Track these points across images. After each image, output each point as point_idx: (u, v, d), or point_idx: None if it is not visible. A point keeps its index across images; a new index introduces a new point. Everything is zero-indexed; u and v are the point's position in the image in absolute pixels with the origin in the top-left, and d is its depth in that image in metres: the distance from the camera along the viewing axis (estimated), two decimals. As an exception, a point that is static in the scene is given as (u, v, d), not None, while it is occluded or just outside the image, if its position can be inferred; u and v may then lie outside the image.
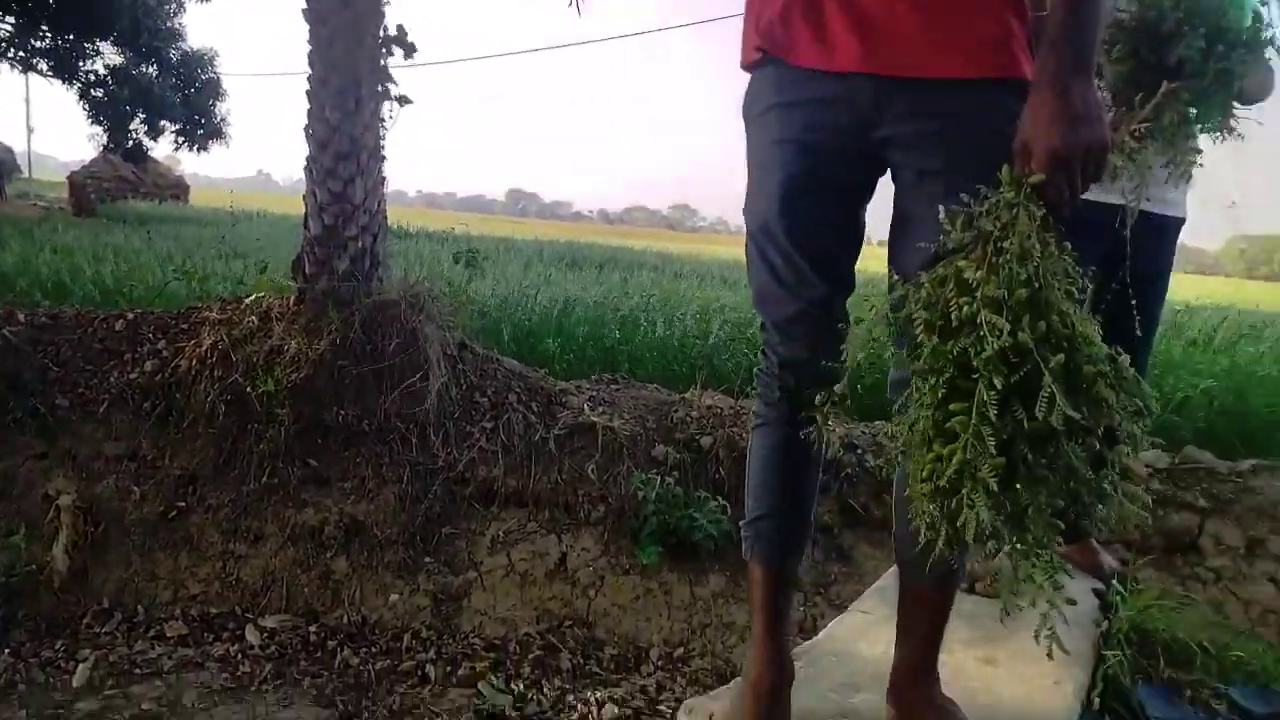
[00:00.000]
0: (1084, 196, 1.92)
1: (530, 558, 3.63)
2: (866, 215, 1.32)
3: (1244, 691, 1.75)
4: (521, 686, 3.01)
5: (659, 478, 3.79)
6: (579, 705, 2.88)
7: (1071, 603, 1.96)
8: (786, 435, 1.35)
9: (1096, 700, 1.59)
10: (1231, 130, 1.87)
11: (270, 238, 10.95)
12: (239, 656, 3.23)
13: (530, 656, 3.21)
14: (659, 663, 3.22)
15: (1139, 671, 1.74)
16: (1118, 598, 1.96)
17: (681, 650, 3.28)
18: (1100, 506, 1.01)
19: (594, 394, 4.35)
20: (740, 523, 1.43)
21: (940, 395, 1.02)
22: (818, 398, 1.19)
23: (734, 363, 5.00)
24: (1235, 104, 1.82)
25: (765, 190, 1.28)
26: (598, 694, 2.94)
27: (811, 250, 1.26)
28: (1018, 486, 1.00)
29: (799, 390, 1.29)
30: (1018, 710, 1.45)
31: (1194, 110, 1.75)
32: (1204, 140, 1.90)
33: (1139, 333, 2.08)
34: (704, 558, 3.52)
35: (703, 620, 3.38)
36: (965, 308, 1.00)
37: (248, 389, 3.87)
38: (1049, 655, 0.98)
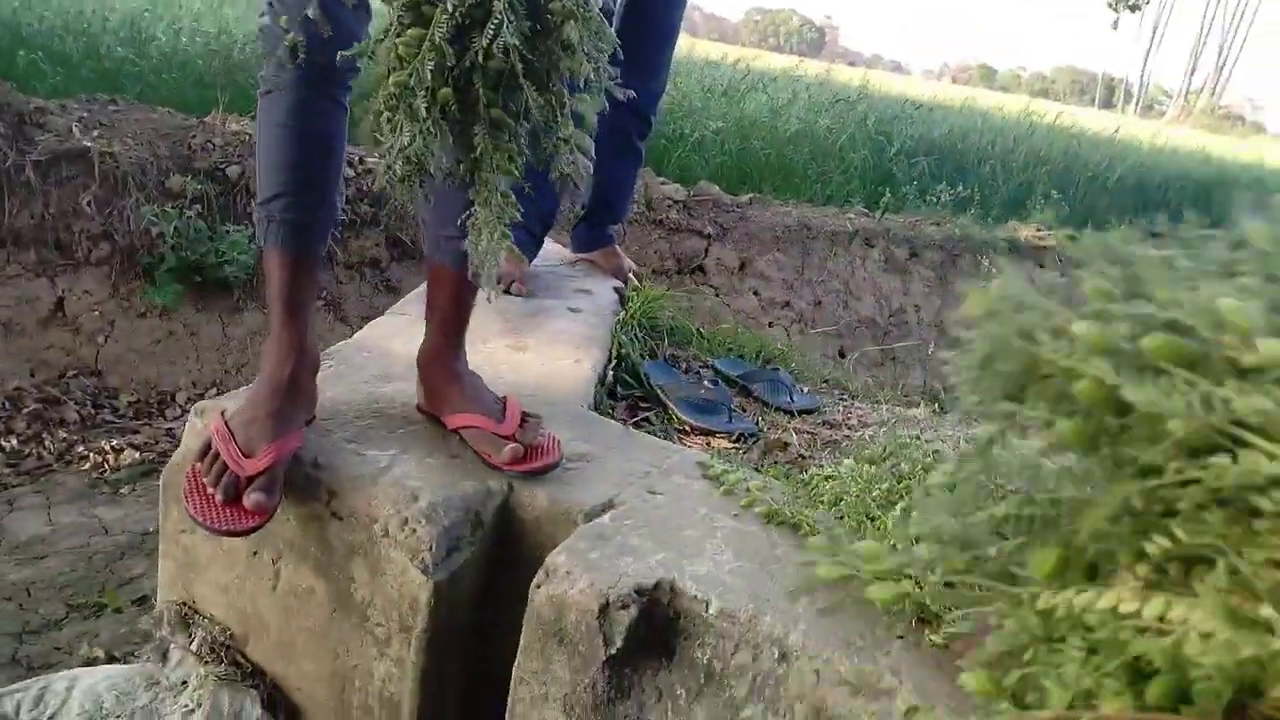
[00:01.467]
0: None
1: (15, 305, 3.06)
2: None
3: (725, 362, 2.07)
4: (15, 443, 2.60)
5: (178, 211, 3.34)
6: (91, 454, 2.58)
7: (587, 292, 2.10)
8: (301, 100, 1.19)
9: (610, 373, 1.76)
10: None
11: None
12: None
13: (25, 412, 2.77)
14: (187, 405, 2.98)
15: (646, 350, 1.96)
16: (633, 293, 2.16)
17: (214, 391, 3.06)
18: (557, 156, 1.04)
19: (86, 115, 3.62)
20: (252, 205, 1.27)
21: (401, 20, 0.96)
22: (339, 57, 1.04)
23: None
24: None
25: None
26: (114, 442, 2.65)
27: None
28: (475, 129, 1.00)
29: (316, 49, 1.12)
30: (541, 383, 1.55)
31: None
32: None
33: (665, 40, 2.19)
34: (236, 295, 3.24)
35: (238, 359, 3.16)
36: None
37: None
38: (489, 299, 1.03)
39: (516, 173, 1.05)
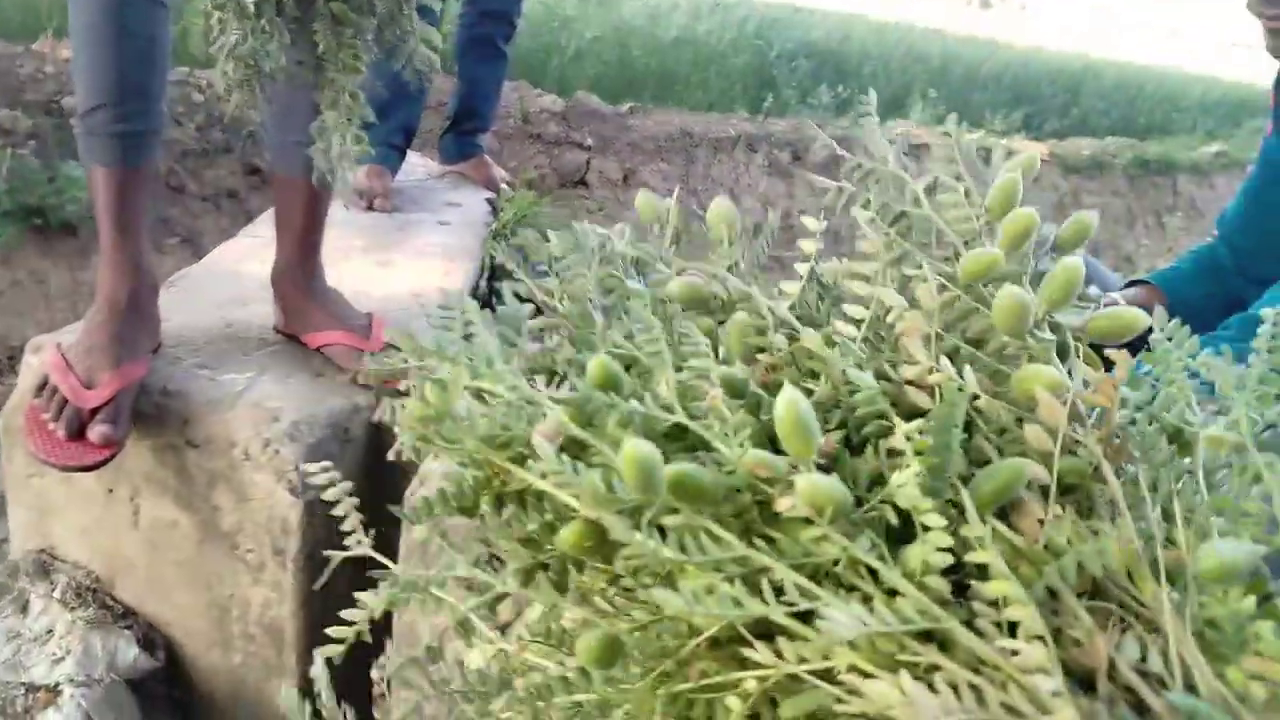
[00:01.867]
0: None
1: None
2: None
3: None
4: None
5: (9, 149, 3.07)
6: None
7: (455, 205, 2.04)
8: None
9: (484, 283, 1.72)
10: None
11: None
12: None
13: None
14: (45, 355, 2.79)
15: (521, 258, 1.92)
16: (506, 203, 2.10)
17: (73, 339, 2.87)
18: (404, 45, 1.00)
19: (-110, 47, 3.28)
20: (71, 119, 1.16)
21: None
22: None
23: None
24: None
25: None
26: (-34, 400, 2.47)
27: None
28: (315, 26, 0.95)
29: None
30: (410, 296, 1.49)
31: None
32: None
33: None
34: (83, 237, 3.02)
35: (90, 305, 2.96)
36: None
37: None
38: (346, 208, 1.00)
39: (362, 71, 1.01)
